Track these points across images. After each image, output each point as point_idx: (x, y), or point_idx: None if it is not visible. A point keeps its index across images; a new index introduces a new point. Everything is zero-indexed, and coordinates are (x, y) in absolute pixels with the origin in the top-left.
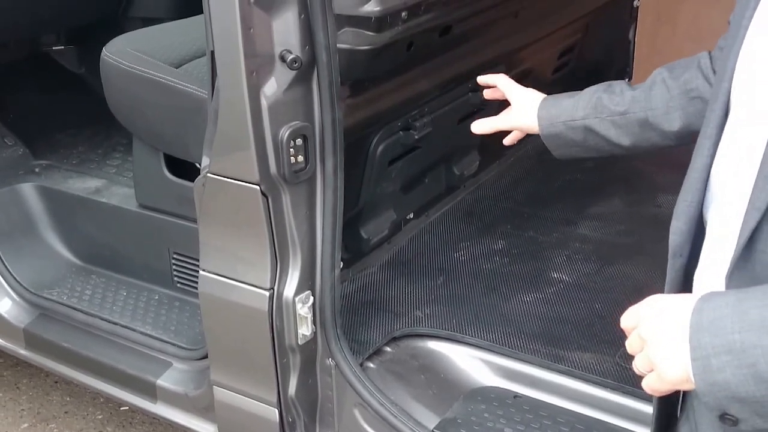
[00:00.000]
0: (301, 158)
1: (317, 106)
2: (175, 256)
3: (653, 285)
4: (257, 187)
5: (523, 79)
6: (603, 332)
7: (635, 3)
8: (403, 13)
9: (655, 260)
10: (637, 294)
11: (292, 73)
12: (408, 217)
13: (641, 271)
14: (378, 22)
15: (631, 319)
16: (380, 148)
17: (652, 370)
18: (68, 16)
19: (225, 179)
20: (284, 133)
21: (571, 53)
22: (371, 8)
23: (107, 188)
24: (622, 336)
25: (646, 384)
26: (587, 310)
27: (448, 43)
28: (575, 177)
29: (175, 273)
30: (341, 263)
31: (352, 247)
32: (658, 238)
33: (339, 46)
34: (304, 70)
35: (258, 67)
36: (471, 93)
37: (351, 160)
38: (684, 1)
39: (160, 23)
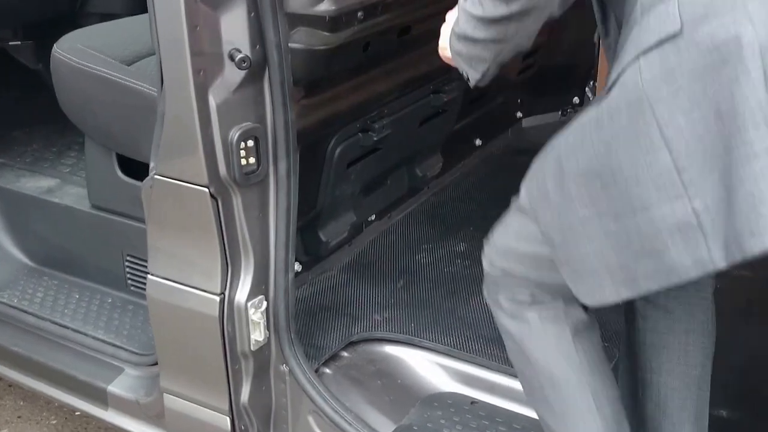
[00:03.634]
0: (252, 160)
1: (269, 106)
2: (128, 258)
3: None
4: (206, 190)
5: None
6: None
7: None
8: (359, 13)
9: None
10: None
11: (242, 73)
12: (369, 219)
13: None
14: (333, 22)
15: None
16: (338, 150)
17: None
18: (25, 11)
19: (173, 181)
20: (234, 134)
21: (536, 55)
22: (325, 7)
23: (60, 188)
24: None
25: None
26: None
27: (408, 44)
28: None
29: (128, 276)
30: (298, 266)
31: (311, 250)
32: None
33: (292, 45)
34: (255, 70)
35: (205, 67)
36: (432, 95)
37: (308, 161)
38: None
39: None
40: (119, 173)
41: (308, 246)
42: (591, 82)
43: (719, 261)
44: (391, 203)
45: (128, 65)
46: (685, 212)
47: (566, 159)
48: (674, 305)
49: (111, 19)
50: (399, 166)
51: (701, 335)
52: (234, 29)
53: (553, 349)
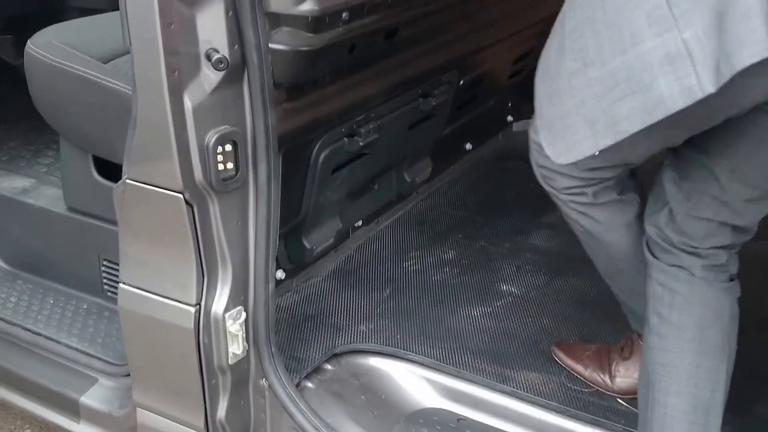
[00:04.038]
0: (230, 165)
1: (248, 109)
2: (105, 263)
3: (600, 298)
4: (180, 196)
5: (477, 84)
6: (550, 350)
7: None
8: (344, 14)
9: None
10: (585, 309)
11: (219, 74)
12: (356, 225)
13: (590, 284)
14: (316, 23)
15: None
16: (323, 155)
17: None
18: (5, 5)
19: (145, 186)
20: (211, 138)
21: (528, 59)
22: (308, 7)
23: (36, 188)
24: None
25: None
26: (535, 325)
27: (395, 46)
28: (528, 185)
29: (105, 281)
30: (281, 273)
31: (295, 257)
32: None
33: (273, 46)
34: (233, 71)
35: (180, 67)
36: (421, 99)
37: (292, 167)
38: None
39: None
40: (95, 175)
41: (292, 253)
42: None
43: (708, 86)
44: (379, 208)
45: (105, 63)
46: (675, 43)
47: (566, 19)
48: (687, 324)
49: (93, 14)
50: (387, 171)
51: (714, 358)
52: (211, 28)
53: (621, 232)
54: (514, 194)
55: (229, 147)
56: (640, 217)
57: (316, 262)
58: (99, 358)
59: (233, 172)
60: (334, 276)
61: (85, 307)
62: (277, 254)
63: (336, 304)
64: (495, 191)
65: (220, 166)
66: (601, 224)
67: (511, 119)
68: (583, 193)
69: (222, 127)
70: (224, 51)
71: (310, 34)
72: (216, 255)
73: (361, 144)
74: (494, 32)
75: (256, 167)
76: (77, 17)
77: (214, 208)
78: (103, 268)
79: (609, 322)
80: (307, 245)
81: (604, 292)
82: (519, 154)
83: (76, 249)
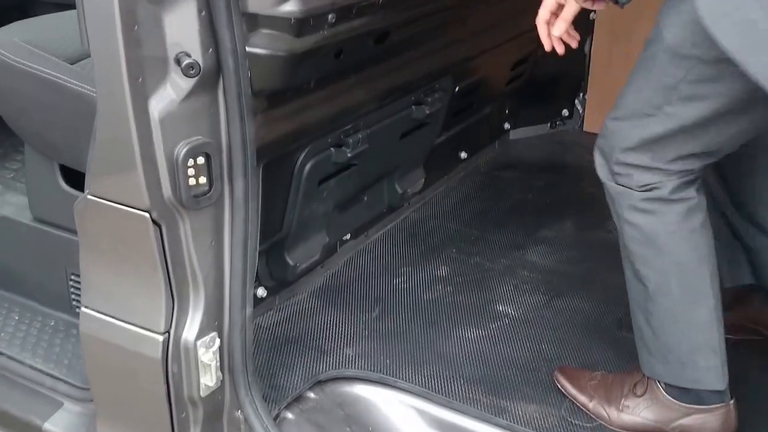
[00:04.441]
0: (203, 180)
1: (224, 119)
2: (73, 277)
3: (604, 321)
4: (146, 215)
5: (474, 90)
6: (549, 378)
7: (591, 16)
8: (330, 16)
9: (607, 293)
10: (586, 333)
11: (190, 81)
12: (344, 238)
13: (592, 305)
14: (299, 25)
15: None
16: (308, 167)
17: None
18: None
19: (108, 203)
20: (181, 150)
21: (525, 64)
22: (291, 8)
23: (1, 196)
24: None
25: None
26: (533, 351)
27: (386, 50)
28: (526, 197)
29: (73, 296)
30: (263, 291)
31: (277, 274)
32: (610, 266)
33: (251, 50)
34: (206, 77)
35: (145, 73)
36: (414, 106)
37: (273, 179)
38: (640, 19)
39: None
40: (62, 184)
41: (274, 270)
42: (581, 94)
43: None
44: (369, 221)
45: (72, 64)
46: None
47: None
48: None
49: (67, 10)
50: (377, 182)
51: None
52: (181, 30)
53: (684, 238)
54: (511, 206)
55: (201, 160)
56: (704, 226)
57: (300, 278)
58: (65, 381)
59: (206, 188)
60: (320, 293)
61: (52, 324)
62: (258, 271)
63: (320, 325)
64: (491, 203)
65: (192, 181)
66: (667, 225)
67: (508, 127)
68: (660, 188)
69: (194, 139)
70: (196, 55)
71: (293, 38)
72: (187, 278)
73: (349, 155)
74: (492, 36)
75: (232, 182)
76: (52, 12)
77: (185, 227)
78: (71, 283)
79: (613, 348)
80: (291, 262)
81: (608, 314)
82: (516, 163)
83: (43, 262)
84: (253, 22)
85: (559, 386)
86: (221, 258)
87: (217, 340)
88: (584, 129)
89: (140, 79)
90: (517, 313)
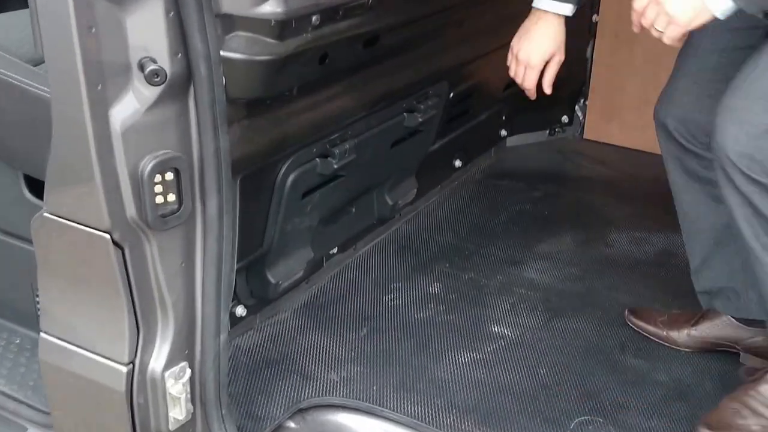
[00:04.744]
0: (172, 197)
1: (195, 131)
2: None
3: (606, 345)
4: (107, 236)
5: (469, 96)
6: (548, 408)
7: (594, 18)
8: (314, 18)
9: (609, 313)
10: (587, 357)
11: (156, 89)
12: (331, 252)
13: (592, 327)
14: (280, 27)
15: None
16: (290, 179)
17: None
18: None
19: (66, 222)
20: (146, 165)
21: None
22: (271, 9)
23: None
24: (569, 413)
25: (668, 37)
26: (531, 376)
27: (376, 55)
28: (523, 208)
29: (40, 312)
30: (242, 310)
31: (258, 292)
32: (611, 285)
33: (227, 55)
34: (175, 85)
35: (106, 79)
36: (406, 114)
37: (253, 192)
38: None
39: None
40: (26, 193)
41: (254, 288)
42: (582, 100)
43: None
44: (357, 233)
45: (35, 65)
46: None
47: None
48: None
49: None
50: (366, 193)
51: None
52: (146, 32)
53: None
54: (507, 218)
55: (170, 176)
56: None
57: (282, 296)
58: (28, 405)
59: (175, 206)
60: (304, 311)
61: (18, 342)
62: (236, 289)
63: (304, 347)
64: (486, 214)
65: (159, 199)
66: None
67: (505, 134)
68: None
69: (161, 153)
70: (163, 60)
71: (273, 41)
72: (154, 303)
73: (335, 166)
74: (488, 40)
75: (204, 199)
76: (21, 8)
77: (151, 249)
78: (37, 299)
79: (616, 374)
80: (272, 279)
81: (610, 337)
82: (513, 172)
83: (7, 276)
84: (229, 24)
85: (631, 324)
86: (192, 281)
87: (188, 371)
88: (585, 137)
89: (99, 87)
90: (514, 334)
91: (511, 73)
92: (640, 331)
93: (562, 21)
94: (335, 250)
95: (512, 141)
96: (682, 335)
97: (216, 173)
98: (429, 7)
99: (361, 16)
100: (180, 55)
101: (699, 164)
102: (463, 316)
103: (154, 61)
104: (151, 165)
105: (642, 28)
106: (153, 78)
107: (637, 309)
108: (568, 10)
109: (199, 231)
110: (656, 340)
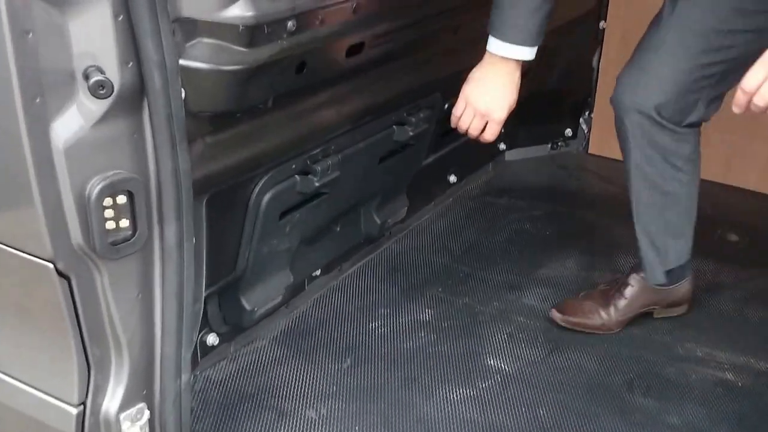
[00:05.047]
0: (125, 223)
1: (151, 148)
2: None
3: (612, 382)
4: (50, 265)
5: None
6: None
7: (601, 24)
8: (290, 23)
9: (615, 347)
10: (591, 396)
11: (104, 102)
12: (314, 275)
13: (597, 362)
14: (249, 33)
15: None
16: (266, 198)
17: None
18: None
19: (6, 249)
20: (94, 187)
21: (525, 77)
22: (239, 13)
23: None
24: None
25: None
26: (529, 417)
27: (361, 65)
28: (522, 227)
29: None
30: (214, 338)
31: (231, 319)
32: None
33: (188, 64)
34: (126, 98)
35: (45, 91)
36: (396, 127)
37: (222, 212)
38: None
39: None
40: None
41: (227, 315)
42: (587, 113)
43: None
44: (342, 254)
45: None
46: None
47: None
48: None
49: None
50: (352, 211)
51: None
52: (92, 38)
53: None
54: (505, 238)
55: (122, 199)
56: None
57: (259, 323)
58: None
59: (129, 232)
60: (283, 339)
61: None
62: (208, 316)
63: (281, 379)
64: (483, 234)
65: (110, 225)
66: None
67: (504, 147)
68: None
69: (111, 173)
70: (112, 70)
71: (242, 49)
72: (107, 339)
73: (316, 184)
74: (485, 47)
75: (162, 224)
76: None
77: (102, 280)
78: None
79: (623, 415)
80: (247, 306)
81: (615, 374)
82: (512, 188)
83: None
84: (191, 29)
85: (564, 325)
86: (151, 315)
87: (146, 412)
88: (589, 151)
89: (38, 99)
90: (511, 368)
91: (462, 125)
92: (575, 328)
93: (520, 65)
94: (318, 272)
95: (511, 155)
96: (611, 315)
97: (175, 195)
98: (420, 12)
99: (343, 23)
100: (131, 63)
101: (671, 138)
102: (456, 347)
103: (101, 71)
104: (99, 187)
105: (748, 108)
106: (98, 90)
107: (561, 305)
108: (530, 54)
109: (157, 261)
110: (590, 331)
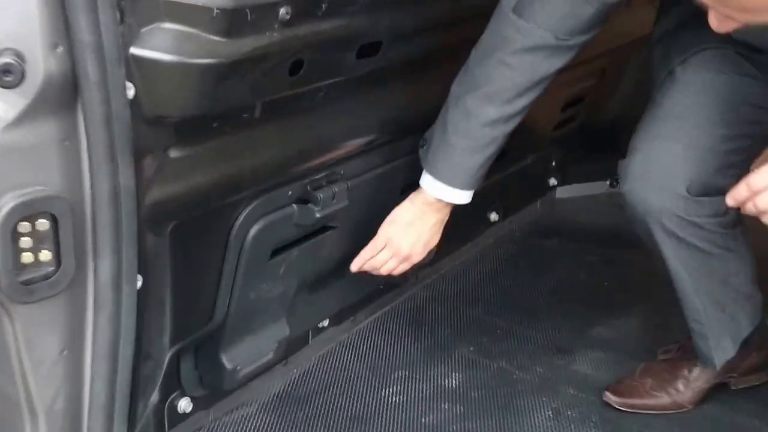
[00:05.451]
0: (46, 255)
1: (85, 161)
2: None
3: None
4: None
5: (512, 134)
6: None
7: None
8: (282, 10)
9: (687, 426)
10: None
11: (19, 97)
12: (321, 326)
13: None
14: (227, 20)
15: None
16: (253, 230)
17: None
18: None
19: None
20: (3, 207)
21: (580, 104)
22: None
23: None
24: None
25: None
26: None
27: (378, 69)
28: (574, 276)
29: None
30: (188, 404)
31: (209, 381)
32: None
33: (143, 53)
34: (55, 92)
35: None
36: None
37: (195, 246)
38: None
39: None
40: None
41: (205, 375)
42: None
43: None
44: (357, 301)
45: None
46: None
47: None
48: None
49: None
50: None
51: None
52: (10, 15)
53: None
54: (554, 288)
55: (44, 224)
56: None
57: (245, 385)
58: None
59: (51, 268)
60: (276, 406)
61: None
62: (181, 376)
63: None
64: (526, 283)
65: (26, 258)
66: None
67: (555, 183)
68: None
69: (27, 191)
70: (35, 55)
71: (217, 38)
72: (19, 407)
73: (318, 215)
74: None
75: (96, 258)
76: None
77: (14, 329)
78: None
79: None
80: (228, 364)
81: None
82: (563, 230)
83: None
84: (150, 10)
85: (624, 409)
86: (79, 376)
87: None
88: None
89: None
90: None
91: (375, 264)
92: (635, 411)
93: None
94: (326, 323)
95: (563, 192)
96: (681, 390)
97: (113, 223)
98: (454, 11)
99: (353, 16)
100: (61, 48)
101: (701, 236)
102: (488, 424)
103: (18, 55)
104: (9, 207)
105: (742, 205)
106: (3, 77)
107: (617, 386)
108: (467, 197)
109: (89, 305)
110: (660, 412)
